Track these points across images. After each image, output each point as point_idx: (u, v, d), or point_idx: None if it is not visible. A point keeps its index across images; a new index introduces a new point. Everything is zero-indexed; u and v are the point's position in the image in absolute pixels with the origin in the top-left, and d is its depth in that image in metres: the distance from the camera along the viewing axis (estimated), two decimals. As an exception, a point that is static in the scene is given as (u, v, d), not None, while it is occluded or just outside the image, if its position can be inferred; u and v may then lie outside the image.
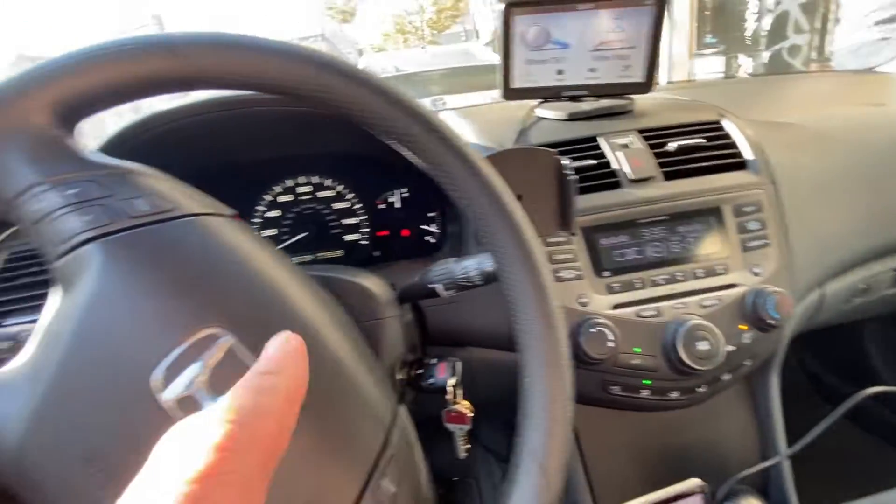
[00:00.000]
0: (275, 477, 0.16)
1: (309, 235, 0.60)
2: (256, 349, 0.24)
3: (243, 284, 0.27)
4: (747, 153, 0.53)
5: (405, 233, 0.62)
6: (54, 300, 0.26)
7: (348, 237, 0.61)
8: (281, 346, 0.16)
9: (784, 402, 1.17)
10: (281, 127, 0.52)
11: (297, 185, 0.60)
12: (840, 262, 0.55)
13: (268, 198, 0.59)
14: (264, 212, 0.60)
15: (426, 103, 0.30)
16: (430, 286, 0.37)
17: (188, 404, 0.24)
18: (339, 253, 0.61)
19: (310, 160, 0.59)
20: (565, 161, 0.43)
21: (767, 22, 2.47)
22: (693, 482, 0.24)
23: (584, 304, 0.46)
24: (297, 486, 0.24)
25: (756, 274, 0.48)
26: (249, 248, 0.28)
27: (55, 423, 0.24)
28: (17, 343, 0.36)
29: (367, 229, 0.61)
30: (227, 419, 0.14)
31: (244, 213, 0.60)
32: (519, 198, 0.44)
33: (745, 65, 2.66)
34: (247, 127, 0.51)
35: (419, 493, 0.28)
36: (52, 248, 0.25)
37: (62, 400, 0.24)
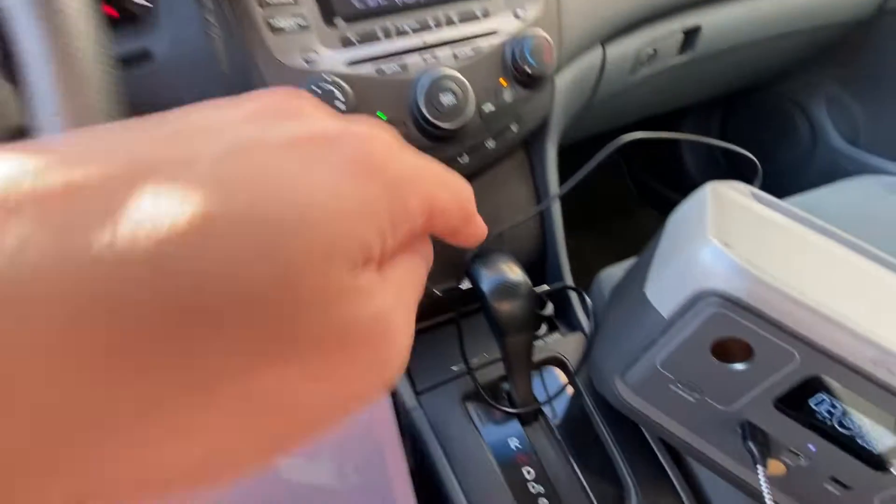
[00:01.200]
0: None
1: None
2: None
3: None
4: None
5: (108, 10, 0.45)
6: None
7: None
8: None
9: (614, 210, 1.29)
10: None
11: None
12: (619, 15, 0.50)
13: None
14: None
15: None
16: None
17: None
18: None
19: None
20: None
21: None
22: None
23: (310, 62, 0.37)
24: None
25: (519, 17, 0.42)
26: None
27: None
28: None
29: None
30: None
31: None
32: None
33: None
34: None
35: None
36: None
37: None
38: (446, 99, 0.38)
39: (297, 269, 0.09)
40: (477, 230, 0.17)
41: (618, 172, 1.32)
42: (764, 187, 0.42)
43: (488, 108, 0.42)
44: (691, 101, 0.87)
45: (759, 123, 0.97)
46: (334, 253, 0.09)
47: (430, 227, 0.14)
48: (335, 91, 0.36)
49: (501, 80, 0.42)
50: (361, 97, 0.37)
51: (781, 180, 0.93)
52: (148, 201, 0.08)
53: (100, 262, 0.07)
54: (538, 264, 0.56)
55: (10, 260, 0.07)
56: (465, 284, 0.44)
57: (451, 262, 0.50)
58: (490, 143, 0.44)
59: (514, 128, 0.45)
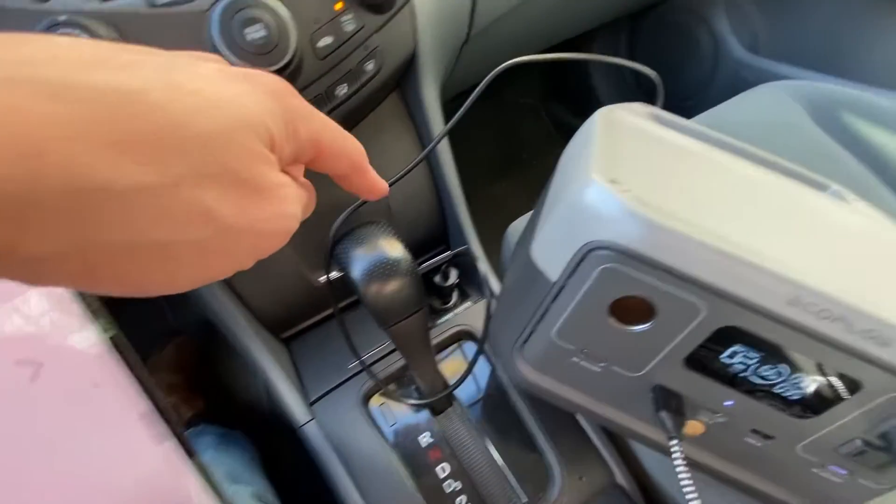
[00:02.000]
0: None
1: None
2: None
3: None
4: None
5: None
6: None
7: None
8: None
9: (535, 153, 1.23)
10: None
11: None
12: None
13: None
14: None
15: None
16: None
17: None
18: None
19: None
20: None
21: None
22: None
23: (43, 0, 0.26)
24: None
25: (345, -84, 0.32)
26: None
27: None
28: None
29: None
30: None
31: None
32: None
33: None
34: None
35: None
36: None
37: None
38: (254, 33, 0.28)
39: (232, 125, 0.14)
40: (373, 183, 0.20)
41: (538, 115, 1.26)
42: (671, 110, 0.37)
43: (325, 41, 0.33)
44: (590, 24, 0.81)
45: (663, 43, 0.93)
46: (252, 125, 0.14)
47: (320, 164, 0.18)
48: (83, 36, 0.26)
49: (338, 2, 0.33)
50: (142, 35, 0.27)
51: (688, 102, 0.91)
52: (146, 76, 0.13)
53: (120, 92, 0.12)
54: (439, 228, 0.50)
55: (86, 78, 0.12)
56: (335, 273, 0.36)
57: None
58: (342, 90, 0.35)
59: (370, 67, 0.36)
